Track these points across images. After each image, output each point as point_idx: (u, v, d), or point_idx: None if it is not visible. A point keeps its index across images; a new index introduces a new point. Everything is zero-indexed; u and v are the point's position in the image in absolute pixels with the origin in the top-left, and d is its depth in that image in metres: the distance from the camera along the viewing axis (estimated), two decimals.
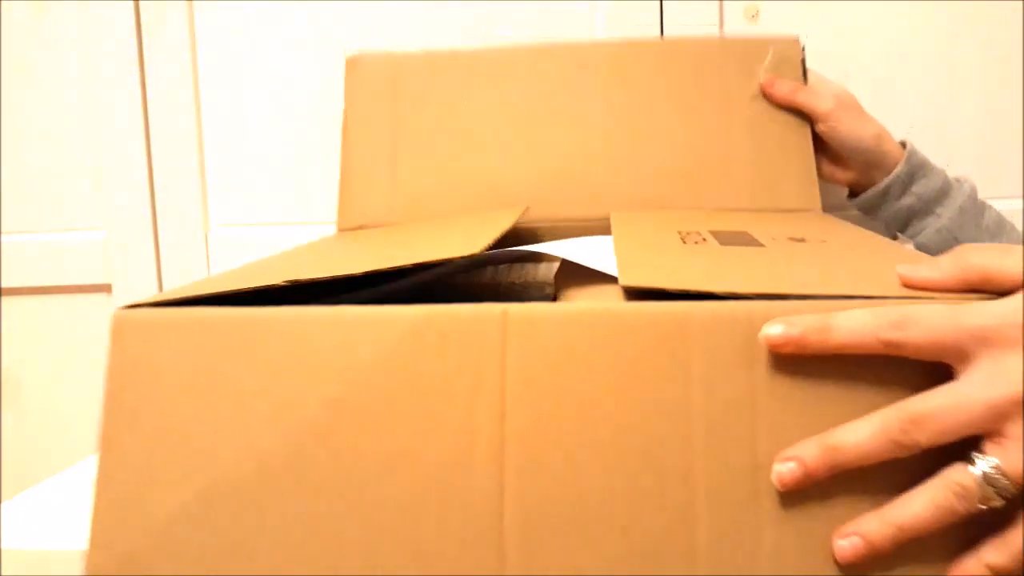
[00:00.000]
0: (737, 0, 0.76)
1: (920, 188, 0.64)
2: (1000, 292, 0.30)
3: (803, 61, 0.65)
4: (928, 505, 0.29)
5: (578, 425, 0.31)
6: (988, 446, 0.29)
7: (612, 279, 0.36)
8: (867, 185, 0.66)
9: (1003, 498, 0.29)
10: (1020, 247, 0.31)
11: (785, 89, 0.63)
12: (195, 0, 0.81)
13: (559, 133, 0.64)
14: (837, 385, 0.31)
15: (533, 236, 0.59)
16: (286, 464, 0.32)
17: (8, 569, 0.46)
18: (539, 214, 0.60)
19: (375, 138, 0.65)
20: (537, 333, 0.31)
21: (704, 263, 0.39)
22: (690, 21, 0.76)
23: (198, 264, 0.83)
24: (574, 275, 0.41)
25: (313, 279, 0.34)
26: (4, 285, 0.85)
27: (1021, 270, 0.30)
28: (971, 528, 0.30)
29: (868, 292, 0.31)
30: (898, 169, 0.64)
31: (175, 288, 0.36)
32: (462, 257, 0.37)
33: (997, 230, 0.64)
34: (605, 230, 0.49)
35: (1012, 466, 0.29)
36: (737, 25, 0.76)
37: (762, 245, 0.43)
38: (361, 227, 0.64)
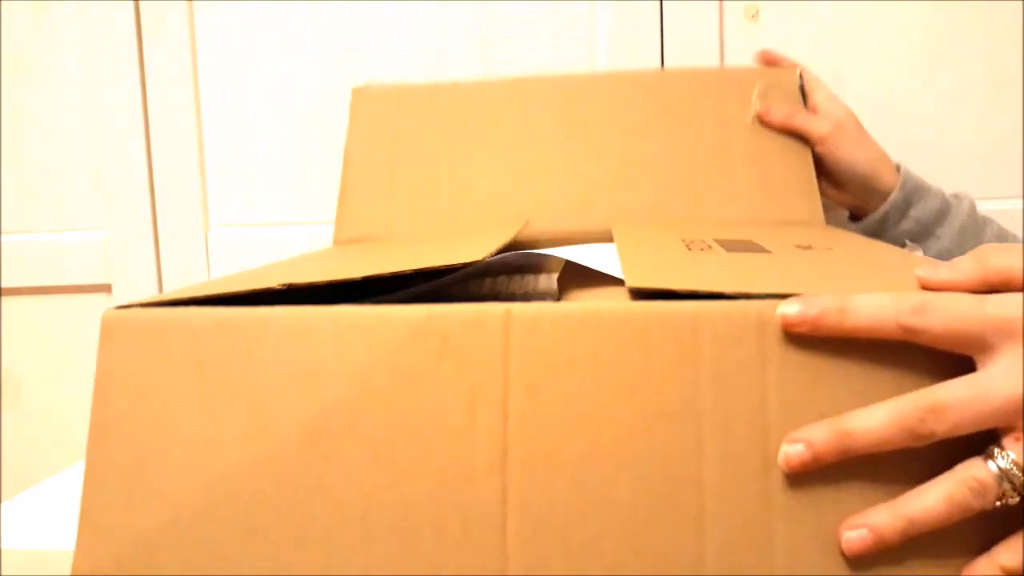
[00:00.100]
0: (737, 0, 0.76)
1: (918, 212, 0.64)
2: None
3: (801, 88, 0.65)
4: (941, 499, 0.28)
5: (583, 428, 0.30)
6: (1007, 441, 0.28)
7: (617, 282, 0.36)
8: (867, 210, 0.66)
9: (1020, 495, 0.28)
10: None
11: (782, 114, 0.63)
12: (195, 0, 0.81)
13: (559, 158, 0.64)
14: (851, 385, 0.30)
15: (534, 248, 0.59)
16: (281, 469, 0.31)
17: (8, 569, 0.46)
18: (539, 228, 0.60)
19: (376, 161, 0.66)
20: (541, 334, 0.31)
21: (711, 267, 0.38)
22: (690, 21, 0.76)
23: (198, 264, 0.83)
24: (577, 279, 0.40)
25: (310, 283, 0.33)
26: (4, 285, 0.85)
27: None
28: (987, 529, 0.29)
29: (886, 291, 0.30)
30: (893, 196, 0.64)
31: (169, 291, 0.36)
32: (463, 264, 0.36)
33: None
34: (607, 241, 0.49)
35: None
36: (737, 25, 0.76)
37: (769, 252, 0.42)
38: (357, 240, 0.63)
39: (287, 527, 0.30)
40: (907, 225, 0.64)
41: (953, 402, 0.28)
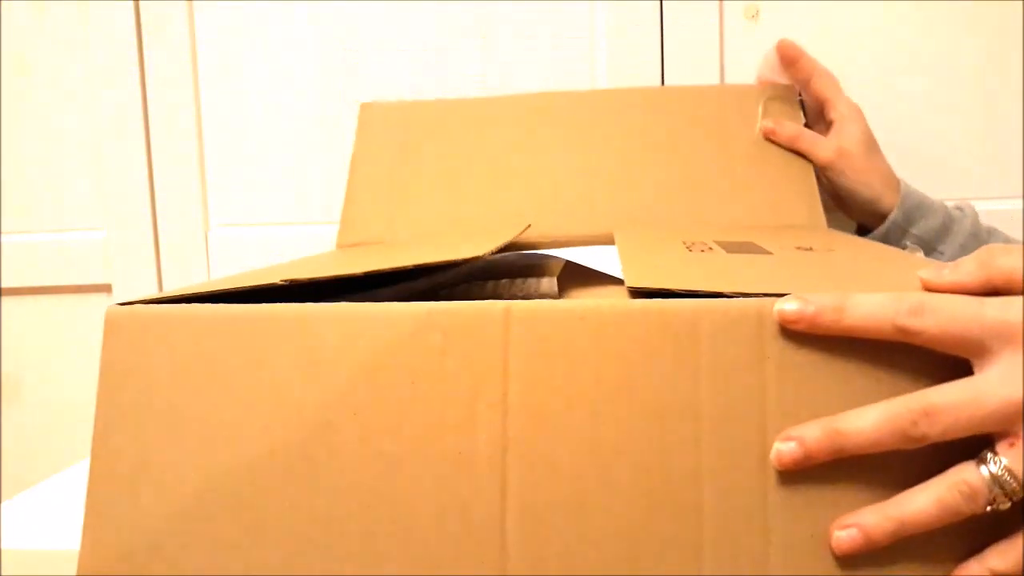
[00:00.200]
0: (737, 0, 0.76)
1: (919, 230, 0.64)
2: None
3: (801, 103, 0.67)
4: (932, 502, 0.28)
5: (582, 424, 0.30)
6: (1001, 447, 0.28)
7: (616, 281, 0.36)
8: (870, 225, 0.66)
9: (1011, 501, 0.28)
10: None
11: (786, 135, 0.64)
12: (195, 0, 0.81)
13: (561, 171, 0.65)
14: (848, 384, 0.30)
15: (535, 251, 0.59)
16: (284, 463, 0.31)
17: (8, 569, 0.46)
18: (541, 231, 0.61)
19: (381, 171, 0.67)
20: (541, 331, 0.31)
21: (712, 267, 0.38)
22: (690, 21, 0.76)
23: (198, 264, 0.83)
24: (577, 279, 0.40)
25: (312, 278, 0.34)
26: (4, 285, 0.85)
27: None
28: (979, 533, 0.29)
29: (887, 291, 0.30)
30: (893, 215, 0.63)
31: (172, 290, 0.36)
32: (464, 260, 0.36)
33: None
34: (608, 244, 0.49)
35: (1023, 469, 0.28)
36: (737, 25, 0.76)
37: (769, 253, 0.42)
38: (359, 245, 0.64)
39: (290, 519, 0.31)
40: (908, 242, 0.65)
41: (946, 406, 0.28)
